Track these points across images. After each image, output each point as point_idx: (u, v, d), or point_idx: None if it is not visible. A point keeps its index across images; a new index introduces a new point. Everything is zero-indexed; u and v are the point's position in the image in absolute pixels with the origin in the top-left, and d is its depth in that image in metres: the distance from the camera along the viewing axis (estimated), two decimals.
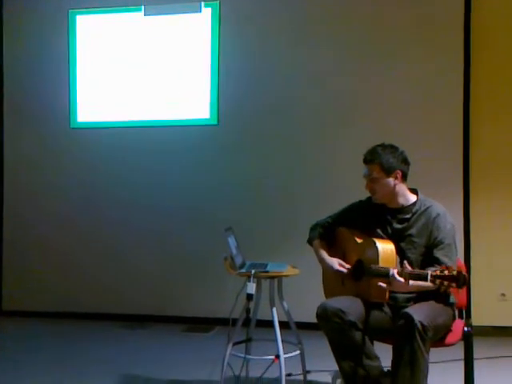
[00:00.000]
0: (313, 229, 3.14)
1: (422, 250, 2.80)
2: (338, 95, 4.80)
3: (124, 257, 5.13)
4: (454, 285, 2.41)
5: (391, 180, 2.85)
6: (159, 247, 5.09)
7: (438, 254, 2.76)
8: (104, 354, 4.13)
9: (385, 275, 2.65)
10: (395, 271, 2.61)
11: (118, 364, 3.87)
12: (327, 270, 3.01)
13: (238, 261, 3.14)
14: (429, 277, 2.46)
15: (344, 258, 3.00)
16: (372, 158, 2.86)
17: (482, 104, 4.65)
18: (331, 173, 4.77)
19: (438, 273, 2.45)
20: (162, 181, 5.09)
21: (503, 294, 4.62)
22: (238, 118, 4.97)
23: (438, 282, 2.44)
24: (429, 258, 2.77)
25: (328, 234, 3.09)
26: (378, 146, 2.90)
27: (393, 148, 2.89)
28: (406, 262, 2.65)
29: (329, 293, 3.07)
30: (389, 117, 4.67)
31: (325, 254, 3.03)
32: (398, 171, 2.86)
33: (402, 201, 2.88)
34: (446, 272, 2.43)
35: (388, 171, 2.84)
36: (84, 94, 5.25)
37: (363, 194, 3.02)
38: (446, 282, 2.42)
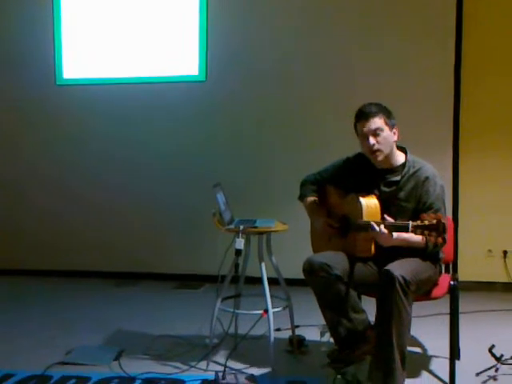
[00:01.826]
0: (303, 185, 3.12)
1: (409, 214, 2.77)
2: (328, 54, 4.74)
3: (114, 215, 5.13)
4: (434, 234, 2.42)
5: (393, 135, 2.81)
6: (149, 205, 5.08)
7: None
8: (94, 311, 4.16)
9: (367, 228, 2.66)
10: (375, 224, 2.62)
11: (108, 320, 3.90)
12: (316, 227, 3.02)
13: (227, 217, 3.14)
14: (410, 227, 2.47)
15: (329, 214, 3.00)
16: (376, 110, 2.78)
17: (473, 64, 4.62)
18: (321, 130, 4.74)
19: (419, 223, 2.46)
20: (151, 138, 5.06)
21: (490, 250, 4.68)
22: (227, 74, 4.91)
23: (418, 231, 2.45)
24: None
25: (318, 191, 3.08)
26: (372, 103, 2.83)
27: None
28: (385, 215, 2.66)
29: (316, 248, 3.08)
30: (381, 75, 4.62)
31: (315, 212, 3.03)
32: (396, 128, 2.82)
33: (392, 161, 2.84)
34: (426, 221, 2.43)
35: (391, 125, 2.79)
36: (70, 50, 5.14)
37: (353, 151, 3.00)
38: (426, 231, 2.43)
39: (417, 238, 2.58)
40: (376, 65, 4.66)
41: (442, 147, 4.54)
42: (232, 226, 3.07)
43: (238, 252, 2.94)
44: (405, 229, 2.51)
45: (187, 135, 4.99)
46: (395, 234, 2.60)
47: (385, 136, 2.76)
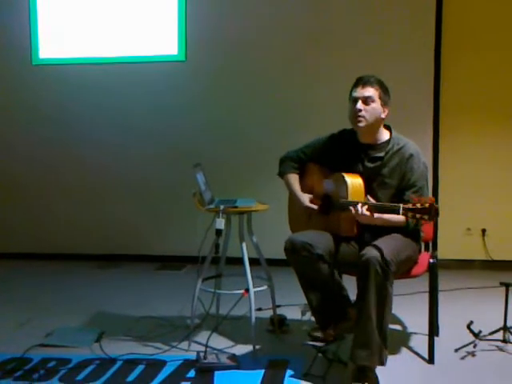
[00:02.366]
0: (283, 161, 3.08)
1: (392, 191, 2.78)
2: (310, 30, 4.71)
3: (95, 197, 5.09)
4: (426, 217, 2.40)
5: (382, 111, 2.79)
6: (129, 186, 5.05)
7: (410, 196, 2.71)
8: (75, 293, 4.13)
9: (352, 210, 2.65)
10: (359, 205, 2.61)
11: (89, 302, 3.89)
12: (297, 205, 3.00)
13: (207, 197, 3.11)
14: (401, 210, 2.46)
15: (312, 192, 2.99)
16: (375, 81, 2.78)
17: (453, 43, 4.63)
18: (303, 109, 4.72)
19: (411, 206, 2.44)
20: (130, 118, 5.00)
21: (468, 229, 4.74)
22: (207, 54, 4.86)
23: (410, 214, 2.44)
24: (400, 200, 2.73)
25: (299, 168, 3.05)
26: (374, 76, 2.81)
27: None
28: (368, 196, 2.66)
29: (294, 226, 3.08)
30: (361, 54, 4.61)
31: (297, 189, 3.00)
32: (388, 108, 2.81)
33: (377, 137, 2.83)
34: (419, 205, 2.42)
35: (384, 101, 2.79)
36: (46, 29, 5.04)
37: (336, 128, 2.98)
38: (418, 215, 2.41)
39: (397, 217, 2.57)
40: (356, 43, 4.65)
41: (423, 126, 4.56)
42: (212, 206, 3.05)
43: (219, 232, 2.93)
44: (395, 211, 2.49)
45: (167, 115, 4.95)
46: (376, 214, 2.60)
47: (374, 107, 2.76)
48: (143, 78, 4.94)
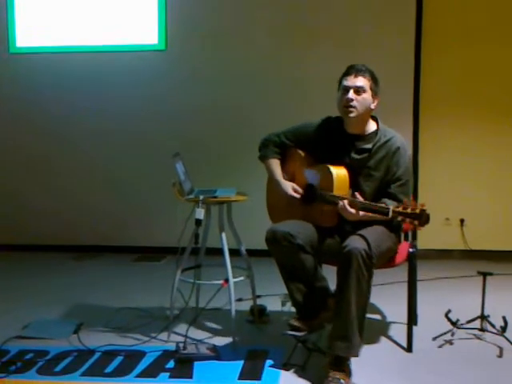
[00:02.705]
0: (265, 145, 3.02)
1: (377, 183, 2.77)
2: (289, 15, 4.70)
3: (73, 187, 5.04)
4: (416, 222, 2.37)
5: (372, 102, 2.77)
6: (108, 177, 5.01)
7: (395, 190, 2.74)
8: (53, 285, 4.09)
9: (336, 204, 2.63)
10: (346, 202, 2.59)
11: (67, 294, 3.85)
12: (277, 192, 2.96)
13: (187, 187, 3.09)
14: (390, 212, 2.43)
15: (293, 178, 2.97)
16: (367, 71, 2.75)
17: (434, 33, 4.65)
18: (286, 97, 4.71)
19: (401, 209, 2.41)
20: (109, 108, 4.94)
21: (447, 219, 4.78)
22: (188, 43, 4.82)
23: (400, 218, 2.40)
24: (384, 192, 2.75)
25: (281, 154, 3.01)
26: (364, 65, 2.79)
27: None
28: (356, 193, 2.62)
29: (274, 213, 3.05)
30: (339, 44, 4.62)
31: (279, 176, 2.96)
32: (378, 99, 2.79)
33: (364, 127, 2.81)
34: (409, 210, 2.38)
35: (375, 92, 2.77)
36: (23, 17, 4.94)
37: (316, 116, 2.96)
38: (408, 219, 2.38)
39: (382, 205, 2.56)
40: (334, 33, 4.65)
41: (402, 116, 4.57)
42: (192, 196, 3.03)
43: (198, 222, 2.91)
44: (384, 213, 2.46)
45: (147, 105, 4.90)
46: (362, 212, 2.58)
47: (365, 97, 2.73)
48: (123, 67, 4.89)
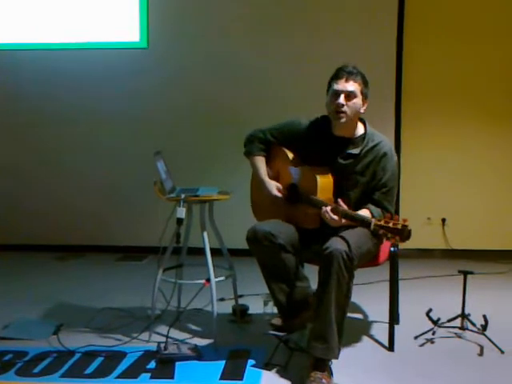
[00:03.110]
0: (250, 141, 2.99)
1: (362, 188, 2.77)
2: (274, 11, 4.69)
3: (55, 187, 4.98)
4: (397, 238, 2.36)
5: (362, 105, 2.74)
6: (89, 176, 4.95)
7: (380, 197, 2.73)
8: (34, 285, 4.04)
9: (319, 208, 2.63)
10: (328, 208, 2.58)
11: (48, 294, 3.80)
12: (261, 190, 2.94)
13: (168, 186, 3.07)
14: (372, 225, 2.42)
15: (277, 176, 2.96)
16: (358, 75, 2.72)
17: (416, 29, 4.66)
18: (269, 98, 4.69)
19: (383, 223, 2.40)
20: (89, 107, 4.88)
21: (429, 218, 4.80)
22: (170, 41, 4.79)
23: (381, 231, 2.39)
24: (368, 198, 2.75)
25: (267, 150, 2.98)
26: (355, 67, 2.75)
27: None
28: (339, 200, 2.61)
29: (257, 211, 3.05)
30: (320, 40, 4.61)
31: (264, 175, 2.93)
32: (367, 102, 2.77)
33: (353, 131, 2.78)
34: (391, 224, 2.37)
35: (365, 96, 2.75)
36: (4, 13, 4.86)
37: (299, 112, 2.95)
38: (389, 234, 2.37)
39: (364, 215, 2.58)
40: (316, 27, 4.64)
41: (384, 115, 4.56)
42: (173, 195, 3.01)
43: (180, 221, 2.89)
44: (366, 225, 2.46)
45: (128, 103, 4.85)
46: (344, 220, 2.57)
47: (355, 102, 2.71)
48: (105, 65, 4.83)
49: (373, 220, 2.45)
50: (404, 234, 2.35)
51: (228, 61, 4.75)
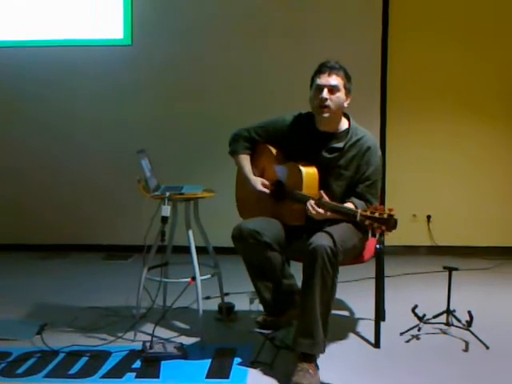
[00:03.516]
0: (235, 140, 2.99)
1: (347, 181, 2.77)
2: (257, 6, 4.68)
3: (39, 185, 4.92)
4: (383, 227, 2.35)
5: (345, 99, 2.75)
6: (74, 173, 4.90)
7: (363, 189, 2.74)
8: (17, 285, 3.99)
9: (304, 203, 2.62)
10: (313, 202, 2.57)
11: (31, 294, 3.76)
12: (246, 187, 2.94)
13: (153, 184, 3.04)
14: (358, 216, 2.41)
15: (263, 175, 2.95)
16: (340, 69, 2.73)
17: (400, 26, 4.68)
18: (256, 95, 4.67)
19: (369, 213, 2.39)
20: (72, 105, 4.84)
21: (414, 215, 4.82)
22: (154, 38, 4.76)
23: (367, 222, 2.39)
24: (351, 191, 2.75)
25: (252, 149, 2.98)
26: (337, 62, 2.76)
27: None
28: (322, 192, 2.60)
29: (243, 209, 3.04)
30: (306, 34, 4.63)
31: (249, 172, 2.94)
32: (350, 96, 2.77)
33: (336, 125, 2.79)
34: (377, 214, 2.37)
35: (348, 90, 2.75)
36: None
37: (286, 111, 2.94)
38: (375, 224, 2.36)
39: (349, 207, 2.57)
40: (301, 24, 4.64)
41: (370, 113, 4.55)
42: (158, 193, 2.98)
43: (164, 219, 2.87)
44: (352, 216, 2.45)
45: (111, 100, 4.82)
46: (329, 213, 2.57)
47: (339, 96, 2.71)
48: (88, 61, 4.79)
49: (358, 211, 2.45)
50: (390, 223, 2.34)
51: (214, 58, 4.73)
